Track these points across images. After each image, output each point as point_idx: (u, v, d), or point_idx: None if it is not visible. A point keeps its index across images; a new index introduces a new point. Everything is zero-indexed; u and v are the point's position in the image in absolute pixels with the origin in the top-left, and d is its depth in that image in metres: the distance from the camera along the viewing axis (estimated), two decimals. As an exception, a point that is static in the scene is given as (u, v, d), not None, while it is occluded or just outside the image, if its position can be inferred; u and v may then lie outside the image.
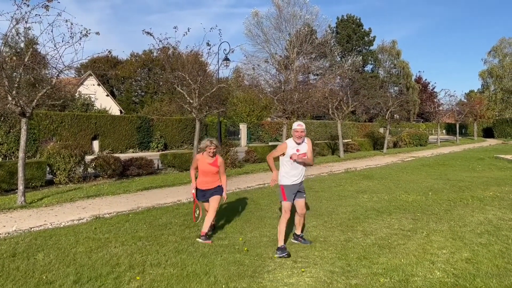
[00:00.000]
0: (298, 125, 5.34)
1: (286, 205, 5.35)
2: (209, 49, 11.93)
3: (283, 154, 5.39)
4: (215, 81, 13.82)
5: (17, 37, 14.24)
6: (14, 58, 7.97)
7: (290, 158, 5.33)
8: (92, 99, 28.73)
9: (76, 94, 28.17)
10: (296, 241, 5.71)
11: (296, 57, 48.58)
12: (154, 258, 5.05)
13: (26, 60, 8.37)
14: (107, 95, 42.10)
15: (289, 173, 5.36)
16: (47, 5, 8.04)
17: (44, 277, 4.41)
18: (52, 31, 8.35)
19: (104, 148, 21.87)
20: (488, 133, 48.27)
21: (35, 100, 8.72)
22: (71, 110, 25.18)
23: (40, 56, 8.38)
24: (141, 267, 4.75)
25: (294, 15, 51.58)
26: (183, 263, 4.86)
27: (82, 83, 33.86)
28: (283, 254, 5.08)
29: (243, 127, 34.55)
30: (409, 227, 6.54)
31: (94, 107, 28.95)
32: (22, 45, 14.00)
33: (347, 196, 9.54)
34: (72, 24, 8.54)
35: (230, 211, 7.82)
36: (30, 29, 9.60)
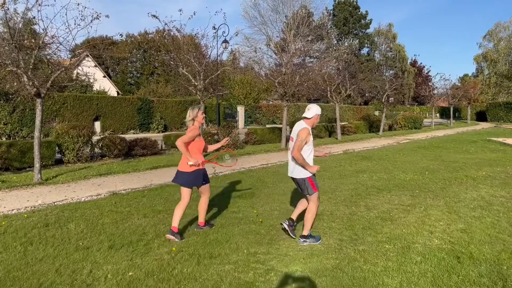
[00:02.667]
0: (320, 110, 4.95)
1: (317, 195, 4.97)
2: (215, 32, 12.18)
3: (306, 142, 4.81)
4: (219, 64, 14.11)
5: (15, 18, 14.34)
6: (33, 40, 8.23)
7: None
8: (91, 81, 28.81)
9: (74, 75, 28.21)
10: (285, 225, 5.15)
11: (293, 40, 48.61)
12: (176, 228, 5.50)
13: (41, 42, 8.67)
14: (104, 76, 42.05)
15: (310, 160, 4.89)
16: (62, -11, 8.27)
17: (81, 243, 4.85)
18: (66, 14, 8.61)
19: (106, 129, 22.18)
20: (481, 116, 48.97)
21: (50, 81, 9.03)
22: (70, 91, 25.31)
23: (56, 37, 8.62)
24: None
25: (291, -4, 51.31)
26: (205, 232, 5.33)
27: (79, 64, 33.77)
28: (317, 240, 4.92)
29: (240, 110, 34.85)
30: (408, 202, 7.04)
31: (93, 89, 29.06)
32: (20, 25, 14.17)
33: (347, 175, 10.03)
34: (84, 8, 8.79)
35: (239, 188, 8.28)
36: (29, 10, 9.81)
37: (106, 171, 10.39)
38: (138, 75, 61.49)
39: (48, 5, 8.81)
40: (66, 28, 8.88)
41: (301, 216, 5.21)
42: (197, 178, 5.20)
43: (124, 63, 61.11)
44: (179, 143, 4.99)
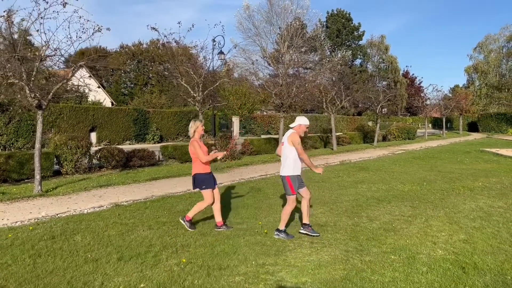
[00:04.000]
0: (308, 121, 5.80)
1: (294, 198, 5.64)
2: (214, 44, 12.31)
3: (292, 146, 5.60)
4: (217, 75, 14.24)
5: (10, 28, 14.35)
6: (37, 53, 8.29)
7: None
8: (86, 91, 28.77)
9: (71, 86, 28.16)
10: (305, 232, 5.80)
11: (287, 51, 49.01)
12: (183, 240, 5.54)
13: (43, 54, 8.73)
14: (99, 87, 41.96)
15: (296, 163, 5.62)
16: (66, 3, 8.37)
17: (89, 255, 4.87)
18: (69, 27, 8.69)
19: (102, 140, 22.15)
20: (472, 127, 49.61)
21: (51, 93, 9.07)
22: (65, 102, 25.25)
23: (58, 49, 8.68)
24: (173, 247, 5.24)
25: (285, 8, 51.85)
26: (211, 244, 5.37)
27: (73, 75, 33.62)
28: (289, 237, 5.62)
29: (235, 120, 34.97)
30: (408, 213, 7.14)
31: (88, 99, 29.03)
32: (15, 36, 14.29)
33: (346, 186, 10.13)
34: (88, 20, 8.88)
35: (241, 200, 8.33)
36: (24, 20, 9.83)
37: (106, 182, 10.40)
38: (132, 85, 61.48)
39: (51, 18, 8.88)
40: (67, 40, 8.99)
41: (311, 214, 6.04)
42: (211, 179, 6.10)
43: (117, 74, 61.10)
44: (204, 160, 5.93)
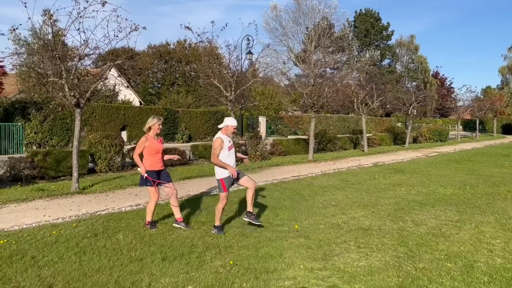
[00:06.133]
0: (235, 123, 5.92)
1: (225, 195, 5.80)
2: (248, 44, 12.22)
3: (221, 148, 5.67)
4: (249, 74, 14.15)
5: (45, 29, 14.62)
6: (75, 51, 8.37)
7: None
8: (116, 90, 29.24)
9: (99, 86, 28.66)
10: (248, 219, 5.98)
11: (314, 51, 48.57)
12: (225, 241, 5.42)
13: (82, 53, 8.81)
14: (127, 87, 42.61)
15: (230, 163, 5.73)
16: (105, 2, 8.41)
17: (133, 254, 4.81)
18: (107, 26, 8.72)
19: (132, 139, 22.41)
20: (507, 129, 47.93)
21: (89, 92, 9.15)
22: (96, 101, 25.68)
23: (98, 48, 8.74)
24: (216, 248, 5.13)
25: (312, 8, 51.56)
26: (254, 246, 5.22)
27: (103, 73, 34.18)
28: (221, 232, 5.77)
29: (262, 120, 34.80)
30: (455, 218, 6.81)
31: (118, 98, 29.45)
32: (49, 36, 14.56)
33: (384, 189, 9.81)
34: (126, 19, 8.90)
35: (277, 201, 8.17)
36: (57, 21, 9.91)
37: (140, 181, 10.41)
38: (159, 85, 62.29)
39: (89, 17, 8.94)
40: (105, 39, 9.04)
41: (255, 204, 6.41)
42: (144, 180, 5.97)
43: (145, 74, 62.00)
44: (134, 156, 6.03)
